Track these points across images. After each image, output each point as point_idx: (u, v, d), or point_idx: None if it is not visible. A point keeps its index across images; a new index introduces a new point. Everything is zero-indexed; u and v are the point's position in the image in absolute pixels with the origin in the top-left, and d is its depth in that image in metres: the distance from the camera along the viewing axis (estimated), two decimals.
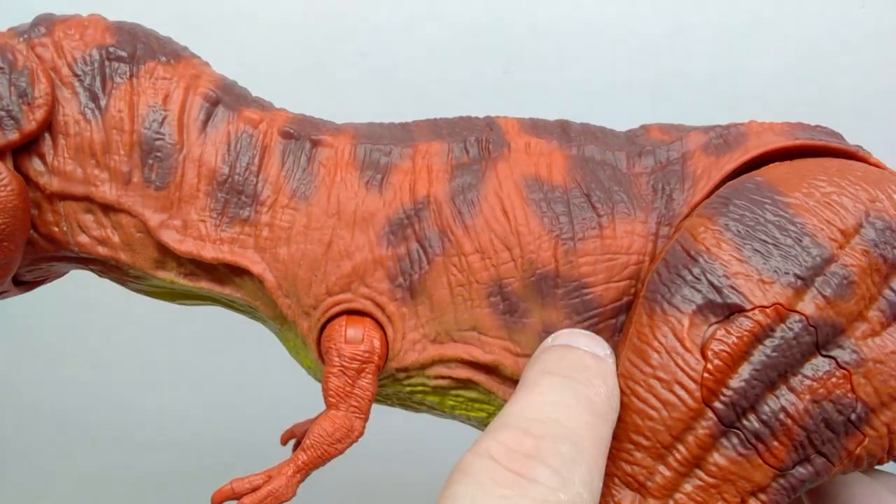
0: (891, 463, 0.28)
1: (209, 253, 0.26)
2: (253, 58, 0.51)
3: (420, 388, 0.27)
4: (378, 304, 0.26)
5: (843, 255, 0.23)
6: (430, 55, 0.50)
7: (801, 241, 0.23)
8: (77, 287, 0.49)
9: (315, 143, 0.27)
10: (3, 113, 0.25)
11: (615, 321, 0.26)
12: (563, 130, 0.28)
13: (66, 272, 0.29)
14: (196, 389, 0.41)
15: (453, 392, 0.27)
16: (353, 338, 0.25)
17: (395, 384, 0.27)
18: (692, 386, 0.23)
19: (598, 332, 0.26)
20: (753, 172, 0.26)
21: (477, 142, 0.27)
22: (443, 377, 0.26)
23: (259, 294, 0.27)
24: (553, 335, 0.25)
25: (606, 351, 0.24)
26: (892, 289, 0.24)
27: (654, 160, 0.27)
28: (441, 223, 0.26)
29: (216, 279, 0.27)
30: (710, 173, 0.26)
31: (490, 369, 0.26)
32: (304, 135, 0.27)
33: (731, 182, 0.26)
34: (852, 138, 0.28)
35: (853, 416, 0.23)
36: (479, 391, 0.27)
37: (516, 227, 0.26)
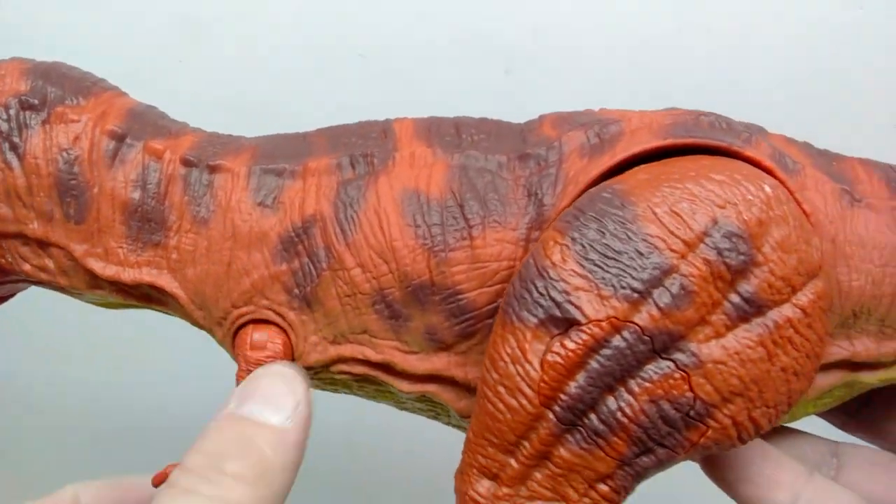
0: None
1: (128, 276, 0.29)
2: (253, 59, 0.51)
3: (330, 381, 0.30)
4: (279, 314, 0.28)
5: (684, 265, 0.24)
6: (430, 56, 0.50)
7: (641, 253, 0.24)
8: None
9: (213, 170, 0.29)
10: None
11: (492, 321, 0.27)
12: (456, 131, 0.29)
13: (28, 288, 0.33)
14: (201, 388, 0.41)
15: (357, 384, 0.30)
16: (258, 343, 0.28)
17: (310, 377, 0.30)
18: (531, 394, 0.25)
19: (475, 333, 0.27)
20: (615, 179, 0.26)
21: (363, 157, 0.28)
22: (344, 373, 0.29)
23: (181, 309, 0.30)
24: (231, 398, 0.26)
25: (284, 414, 0.25)
26: (738, 293, 0.24)
27: (535, 163, 0.28)
28: (326, 239, 0.28)
29: (143, 297, 0.30)
30: (578, 178, 0.27)
31: (383, 366, 0.28)
32: (203, 161, 0.29)
33: (591, 189, 0.26)
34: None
35: (692, 413, 0.24)
36: (379, 384, 0.29)
37: (391, 243, 0.27)
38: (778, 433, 0.30)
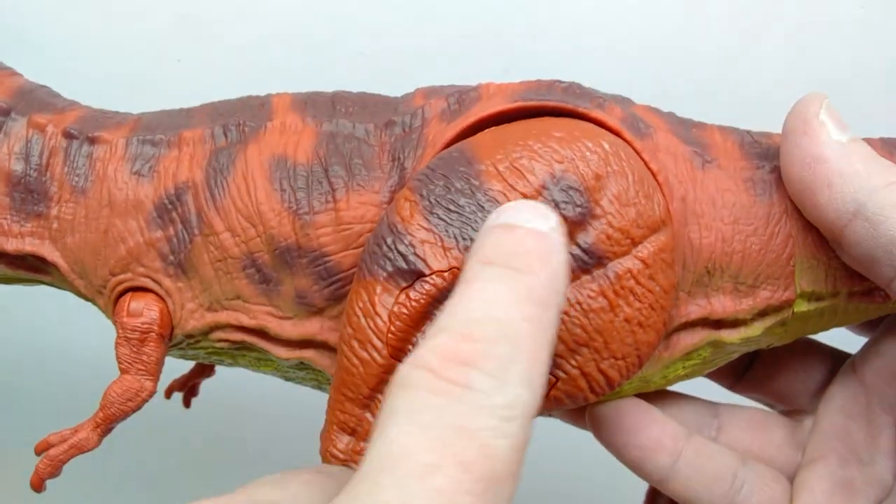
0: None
1: (11, 246, 0.29)
2: (253, 59, 0.51)
3: (211, 350, 0.30)
4: (155, 281, 0.29)
5: None
6: (429, 55, 0.50)
7: (483, 207, 0.25)
8: None
9: (92, 141, 0.30)
10: None
11: None
12: (332, 104, 0.30)
13: None
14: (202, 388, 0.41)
15: (239, 353, 0.30)
16: (135, 311, 0.29)
17: (191, 346, 0.30)
18: (380, 345, 0.25)
19: (343, 296, 0.28)
20: (465, 140, 0.27)
21: (236, 126, 0.29)
22: (223, 340, 0.29)
23: (63, 278, 0.30)
24: (497, 210, 0.23)
25: (551, 223, 0.22)
26: (577, 244, 0.25)
27: (400, 129, 0.28)
28: (198, 205, 0.28)
29: (29, 267, 0.30)
30: (436, 141, 0.28)
31: (258, 332, 0.29)
32: (83, 133, 0.30)
33: (443, 150, 0.27)
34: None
35: None
36: (258, 351, 0.30)
37: (258, 206, 0.28)
38: (661, 397, 0.31)
